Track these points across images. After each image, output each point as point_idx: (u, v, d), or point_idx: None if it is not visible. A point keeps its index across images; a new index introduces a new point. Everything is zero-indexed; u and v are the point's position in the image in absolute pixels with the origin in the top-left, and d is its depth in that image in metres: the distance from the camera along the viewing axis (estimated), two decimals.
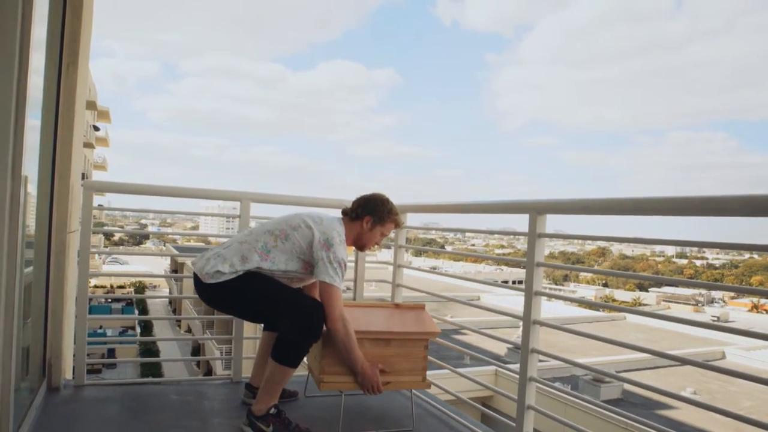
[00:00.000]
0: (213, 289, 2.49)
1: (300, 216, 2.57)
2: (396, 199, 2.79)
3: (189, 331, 29.89)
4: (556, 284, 62.00)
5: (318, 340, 2.45)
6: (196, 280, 2.54)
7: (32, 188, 2.40)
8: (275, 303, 2.47)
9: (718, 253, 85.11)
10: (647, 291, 56.79)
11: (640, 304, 47.70)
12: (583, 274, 71.72)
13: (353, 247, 2.75)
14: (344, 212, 2.70)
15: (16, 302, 1.97)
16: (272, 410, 2.46)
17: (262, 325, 2.89)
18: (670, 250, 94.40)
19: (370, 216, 2.63)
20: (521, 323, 2.43)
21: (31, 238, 2.57)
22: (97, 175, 35.60)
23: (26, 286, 2.45)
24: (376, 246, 2.72)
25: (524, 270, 2.46)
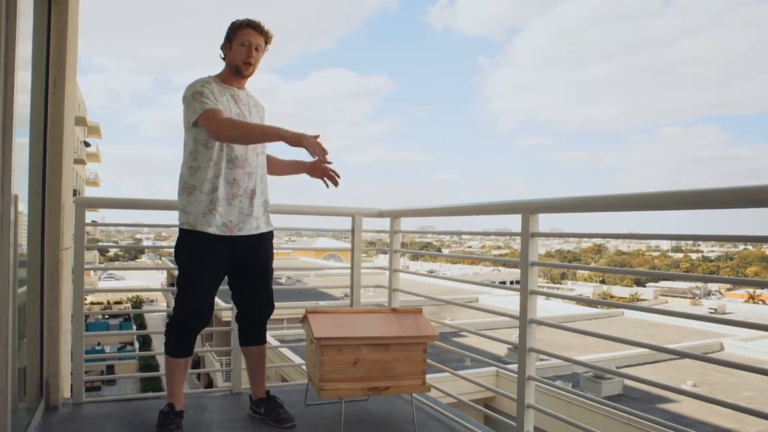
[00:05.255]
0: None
1: None
2: (392, 204, 2.78)
3: None
4: (554, 283, 62.07)
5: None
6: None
7: (23, 207, 2.39)
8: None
9: (713, 246, 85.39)
10: (644, 286, 56.90)
11: (638, 300, 47.83)
12: (580, 272, 71.87)
13: (349, 254, 2.73)
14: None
15: (11, 323, 1.96)
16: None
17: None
18: (666, 245, 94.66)
19: (223, 44, 2.62)
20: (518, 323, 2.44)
21: (24, 258, 2.56)
22: (89, 191, 35.47)
23: (20, 306, 2.44)
24: (251, 66, 2.58)
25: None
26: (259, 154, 2.65)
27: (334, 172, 2.66)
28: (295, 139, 2.37)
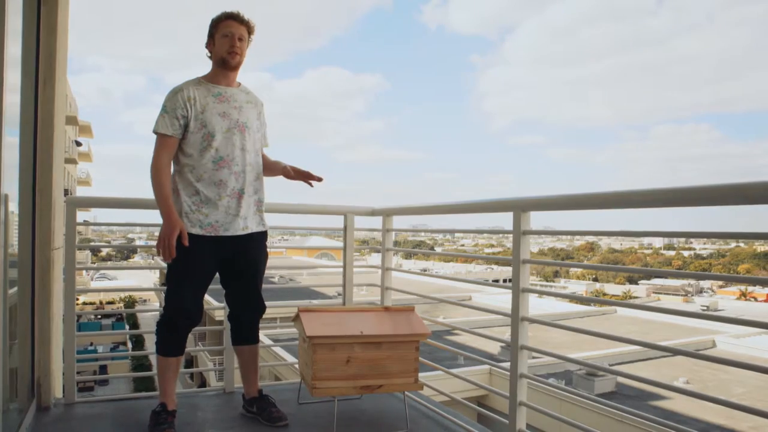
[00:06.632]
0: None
1: None
2: (384, 203, 2.79)
3: None
4: (547, 281, 62.17)
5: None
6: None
7: (13, 206, 2.37)
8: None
9: (705, 243, 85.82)
10: (637, 284, 57.07)
11: (631, 297, 47.93)
12: (573, 270, 72.06)
13: (341, 253, 2.72)
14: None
15: (1, 323, 1.95)
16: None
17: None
18: (658, 242, 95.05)
19: (207, 41, 2.62)
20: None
21: (15, 258, 2.55)
22: (81, 191, 35.26)
23: (11, 307, 2.42)
24: (236, 55, 2.56)
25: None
26: (248, 153, 2.61)
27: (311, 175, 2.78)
28: (164, 228, 2.45)
